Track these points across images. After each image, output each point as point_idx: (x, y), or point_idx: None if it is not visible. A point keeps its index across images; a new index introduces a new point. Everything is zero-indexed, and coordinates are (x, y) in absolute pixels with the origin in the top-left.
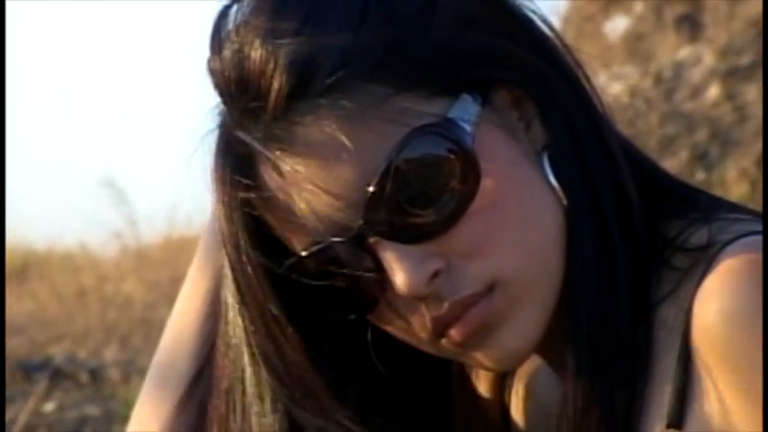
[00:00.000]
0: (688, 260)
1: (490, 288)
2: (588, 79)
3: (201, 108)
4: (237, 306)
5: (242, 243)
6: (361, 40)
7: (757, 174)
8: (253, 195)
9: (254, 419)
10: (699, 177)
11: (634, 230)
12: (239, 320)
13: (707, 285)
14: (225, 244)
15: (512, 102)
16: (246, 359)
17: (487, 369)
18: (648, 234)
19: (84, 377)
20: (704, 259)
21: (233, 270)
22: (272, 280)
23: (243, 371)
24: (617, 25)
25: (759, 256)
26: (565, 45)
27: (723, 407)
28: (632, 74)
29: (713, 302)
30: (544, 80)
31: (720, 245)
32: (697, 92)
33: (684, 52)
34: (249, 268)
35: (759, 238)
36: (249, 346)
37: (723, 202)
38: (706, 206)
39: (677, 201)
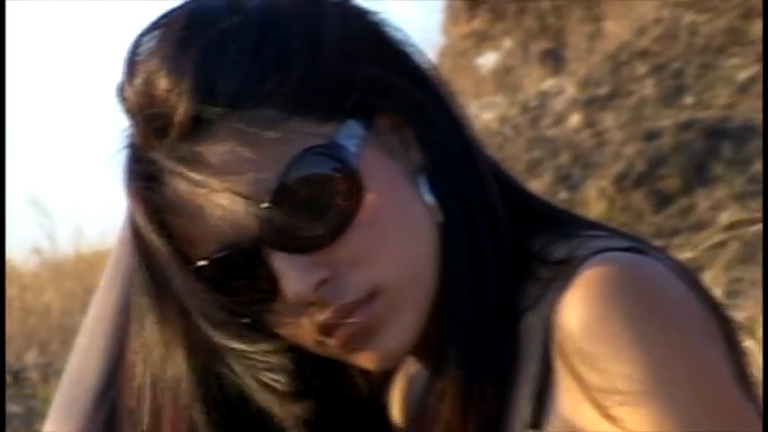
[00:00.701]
0: (550, 272)
1: (371, 295)
2: (461, 108)
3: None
4: (150, 303)
5: (152, 246)
6: (256, 69)
7: (614, 193)
8: (160, 205)
9: (166, 416)
10: (562, 197)
11: (502, 245)
12: (151, 317)
13: (566, 297)
14: (136, 249)
15: (392, 127)
16: (157, 355)
17: (368, 368)
18: (515, 248)
19: (8, 378)
20: (564, 272)
21: (145, 271)
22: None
23: (155, 368)
24: (487, 60)
25: (614, 269)
26: (440, 77)
27: (577, 409)
28: (501, 103)
29: (572, 313)
30: (421, 108)
31: (579, 259)
32: (560, 119)
33: (548, 84)
34: (160, 267)
35: (615, 253)
36: (162, 342)
37: (582, 221)
38: (567, 224)
39: (541, 219)
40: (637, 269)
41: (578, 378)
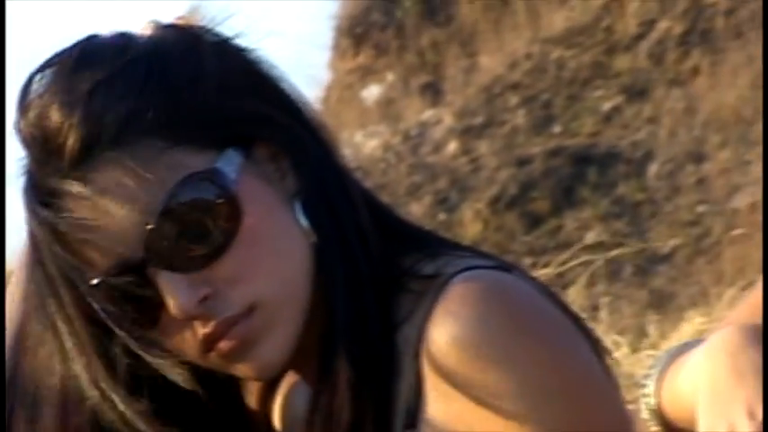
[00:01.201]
0: (421, 286)
1: (250, 310)
2: (333, 139)
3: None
4: (48, 313)
5: (49, 265)
6: (141, 104)
7: (488, 215)
8: (56, 227)
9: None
10: (440, 218)
11: (374, 262)
12: (50, 325)
13: (437, 312)
14: (35, 268)
15: (269, 156)
16: (57, 362)
17: (249, 378)
18: (387, 266)
19: None
20: (433, 287)
21: (44, 285)
22: (76, 296)
23: (53, 375)
24: (371, 92)
25: (481, 286)
26: (313, 110)
27: (448, 418)
28: (385, 132)
29: (442, 329)
30: (297, 139)
31: (446, 276)
32: (438, 147)
33: (427, 114)
34: (56, 283)
35: (482, 270)
36: (60, 350)
37: (448, 242)
38: (434, 244)
39: (411, 240)
40: (502, 285)
41: (451, 392)
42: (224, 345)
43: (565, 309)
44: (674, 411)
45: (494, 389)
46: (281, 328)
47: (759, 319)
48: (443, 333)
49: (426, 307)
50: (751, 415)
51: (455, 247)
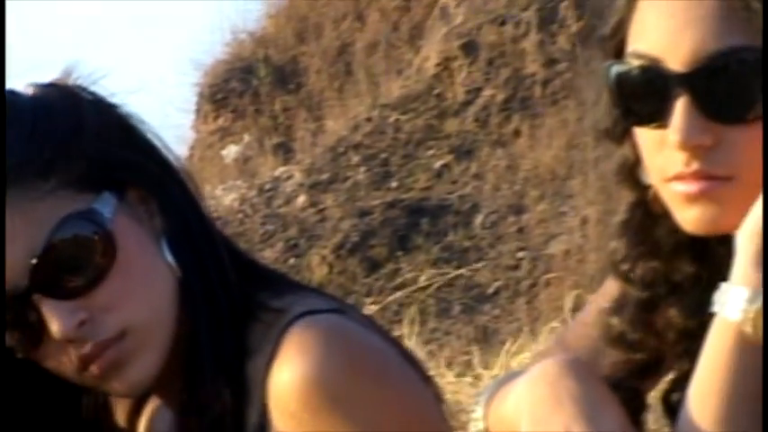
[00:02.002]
0: (270, 318)
1: (122, 334)
2: (197, 188)
3: None
4: None
5: None
6: (29, 151)
7: (333, 260)
8: None
9: None
10: (291, 263)
11: (232, 295)
12: None
13: (280, 354)
14: None
15: (140, 199)
16: None
17: (119, 395)
18: (243, 299)
19: None
20: (280, 322)
21: None
22: None
23: None
24: (230, 151)
25: (319, 330)
26: (179, 160)
27: None
28: (242, 187)
29: (284, 370)
30: (163, 185)
31: (291, 315)
32: (289, 200)
33: (280, 171)
34: None
35: (322, 315)
36: None
37: (293, 282)
38: (282, 284)
39: (263, 279)
40: (339, 330)
41: (293, 427)
42: (98, 365)
43: (394, 343)
44: None
45: (333, 429)
46: (148, 351)
47: (573, 353)
48: (286, 376)
49: (273, 341)
50: None
51: (299, 287)
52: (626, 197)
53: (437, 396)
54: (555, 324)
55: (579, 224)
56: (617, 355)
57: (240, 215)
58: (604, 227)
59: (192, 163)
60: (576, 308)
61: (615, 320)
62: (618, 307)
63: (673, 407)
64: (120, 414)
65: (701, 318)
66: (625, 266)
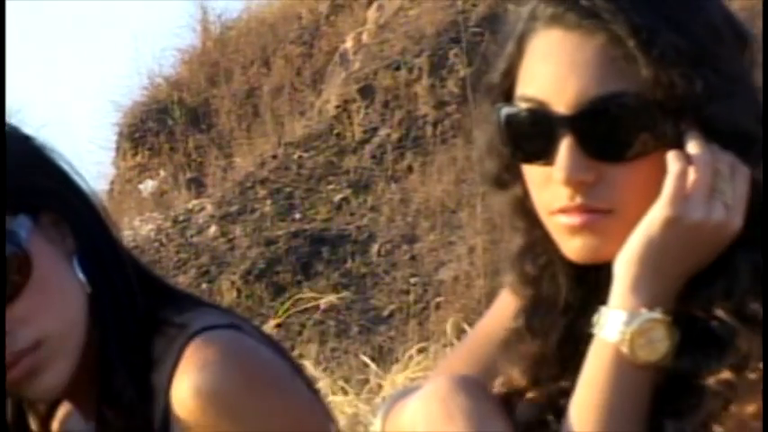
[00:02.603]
0: (172, 332)
1: (37, 344)
2: (105, 211)
3: None
4: None
5: None
6: None
7: (241, 285)
8: None
9: None
10: (203, 288)
11: (138, 310)
12: None
13: (180, 366)
14: None
15: (53, 222)
16: None
17: (35, 400)
18: (148, 314)
19: None
20: (181, 336)
21: None
22: None
23: None
24: (147, 186)
25: (216, 345)
26: (90, 188)
27: None
28: (158, 218)
29: (184, 381)
30: (74, 209)
31: (192, 329)
32: (201, 230)
33: (193, 203)
34: None
35: (220, 331)
36: None
37: (196, 299)
38: (185, 301)
39: (168, 296)
40: (236, 345)
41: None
42: (14, 372)
43: (287, 358)
44: None
45: None
46: (61, 359)
47: (464, 371)
48: (185, 386)
49: (175, 353)
50: None
51: (201, 304)
52: (520, 227)
53: (325, 409)
54: (443, 344)
55: (467, 252)
56: (513, 369)
57: (156, 244)
58: (490, 255)
59: (113, 196)
60: (461, 330)
61: (520, 330)
62: (525, 318)
63: (559, 413)
64: (34, 419)
65: (582, 332)
66: (524, 285)
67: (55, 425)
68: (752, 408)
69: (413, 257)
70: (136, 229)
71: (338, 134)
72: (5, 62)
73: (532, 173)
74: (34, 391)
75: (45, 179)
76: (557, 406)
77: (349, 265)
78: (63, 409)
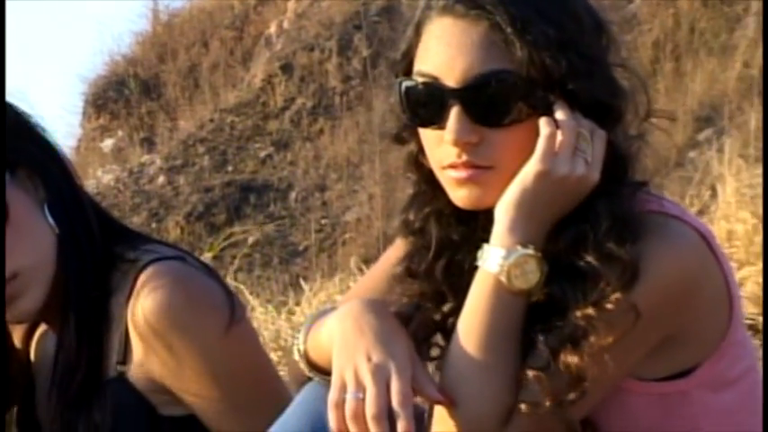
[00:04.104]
0: (126, 267)
1: (14, 276)
2: (73, 166)
3: None
4: None
5: None
6: None
7: (185, 225)
8: None
9: None
10: (153, 227)
11: (97, 248)
12: None
13: (136, 291)
14: None
15: (28, 175)
16: None
17: (15, 322)
18: (106, 251)
19: None
20: (134, 269)
21: None
22: None
23: None
24: (107, 143)
25: (164, 273)
26: (61, 148)
27: (146, 360)
28: (116, 170)
29: (139, 303)
30: (45, 166)
31: (143, 262)
32: (152, 180)
33: (145, 158)
34: None
35: (166, 261)
36: None
37: (147, 237)
38: (137, 239)
39: (123, 235)
40: (180, 273)
41: (148, 347)
42: None
43: (222, 283)
44: (316, 356)
45: (176, 348)
46: (34, 288)
47: (370, 295)
48: (139, 308)
49: (130, 282)
50: (368, 358)
51: (151, 241)
52: (413, 178)
53: (251, 324)
54: (348, 273)
55: (367, 199)
56: (407, 295)
57: (115, 191)
58: (386, 202)
59: (79, 152)
60: (365, 261)
61: (408, 270)
62: (408, 260)
63: (448, 333)
64: (17, 338)
65: (468, 265)
66: (416, 228)
67: (33, 341)
68: (608, 340)
69: (323, 203)
70: (98, 178)
71: (263, 103)
72: (5, 61)
73: (427, 134)
74: (13, 314)
75: (22, 141)
76: (444, 327)
77: (271, 208)
78: (40, 330)
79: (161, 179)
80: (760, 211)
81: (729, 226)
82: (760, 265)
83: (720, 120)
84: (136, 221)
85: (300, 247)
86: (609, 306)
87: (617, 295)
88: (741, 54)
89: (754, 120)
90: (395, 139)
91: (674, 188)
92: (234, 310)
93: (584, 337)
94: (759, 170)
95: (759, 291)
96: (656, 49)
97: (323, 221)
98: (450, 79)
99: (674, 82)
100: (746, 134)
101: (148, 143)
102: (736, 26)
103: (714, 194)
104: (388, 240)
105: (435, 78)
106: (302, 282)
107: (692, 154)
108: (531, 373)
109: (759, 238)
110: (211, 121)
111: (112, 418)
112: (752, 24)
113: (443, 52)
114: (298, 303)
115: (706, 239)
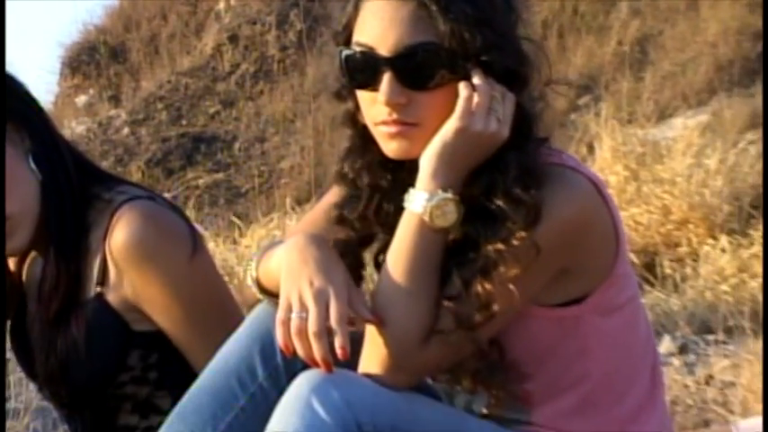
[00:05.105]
0: (102, 205)
1: (8, 219)
2: (54, 120)
3: None
4: None
5: None
6: None
7: (145, 169)
8: None
9: None
10: (119, 170)
11: (74, 189)
12: None
13: (112, 225)
14: None
15: (15, 129)
16: None
17: (9, 255)
18: (83, 191)
19: None
20: (110, 207)
21: None
22: None
23: None
24: (81, 99)
25: (137, 209)
26: (41, 105)
27: (121, 284)
28: (88, 122)
29: (115, 236)
30: (30, 120)
31: (118, 201)
32: (118, 131)
33: (112, 113)
34: None
35: (138, 200)
36: None
37: (119, 179)
38: (110, 180)
39: (99, 178)
40: (151, 210)
41: (123, 273)
42: None
43: (186, 220)
44: (266, 281)
45: (147, 274)
46: (23, 228)
47: (312, 231)
48: (115, 239)
49: (106, 219)
50: (311, 283)
51: (123, 182)
52: (349, 133)
53: (209, 253)
54: (283, 212)
55: (300, 150)
56: (343, 233)
57: (86, 140)
58: (316, 153)
59: (57, 106)
60: (297, 202)
61: (344, 211)
62: (344, 203)
63: (379, 264)
64: (11, 262)
65: (396, 207)
66: (351, 175)
67: (25, 266)
68: (514, 272)
69: (262, 152)
70: (72, 129)
71: (213, 67)
72: (5, 60)
73: (363, 96)
74: (8, 249)
75: (10, 99)
76: (376, 260)
77: (219, 157)
78: (31, 255)
79: (125, 130)
80: (631, 164)
81: (604, 177)
82: (631, 211)
83: (597, 88)
84: (104, 166)
85: (243, 190)
86: (515, 242)
87: (522, 233)
88: (615, 33)
89: (625, 88)
90: (335, 96)
91: (557, 146)
92: (196, 241)
93: (493, 269)
94: (631, 130)
95: (630, 231)
96: (544, 28)
97: (262, 168)
98: (384, 49)
99: (558, 56)
100: (619, 100)
101: (115, 100)
102: (611, 9)
103: (591, 151)
104: (317, 185)
105: (371, 48)
106: (244, 219)
107: (573, 116)
108: (446, 301)
109: (631, 188)
110: (169, 82)
111: (91, 332)
112: (624, 8)
113: (378, 26)
114: (241, 236)
115: (598, 187)
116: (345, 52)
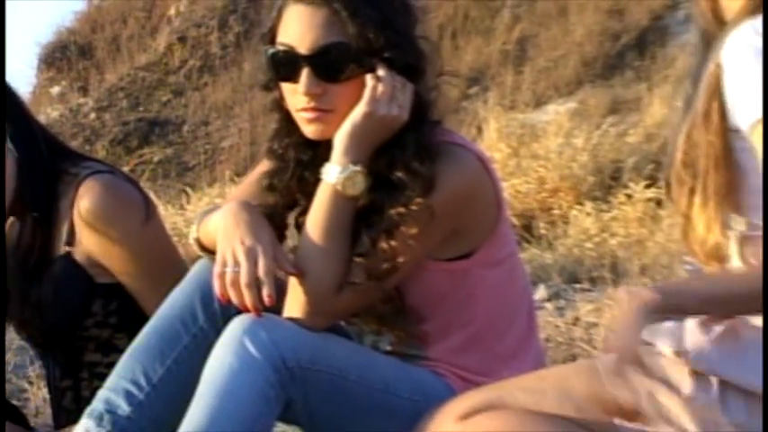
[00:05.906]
0: (69, 179)
1: None
2: (29, 107)
3: None
4: None
5: None
6: None
7: (109, 147)
8: None
9: None
10: (87, 149)
11: (45, 165)
12: None
13: (78, 195)
14: None
15: None
16: None
17: None
18: (54, 166)
19: None
20: (76, 180)
21: None
22: None
23: None
24: (55, 90)
25: (100, 182)
26: (20, 95)
27: (87, 242)
28: (61, 109)
29: (80, 203)
30: (11, 108)
31: (83, 175)
32: (86, 115)
33: (81, 101)
34: None
35: (100, 174)
36: None
37: (85, 156)
38: (77, 158)
39: (67, 155)
40: (112, 183)
41: (88, 235)
42: None
43: (141, 191)
44: (206, 241)
45: (107, 235)
46: (2, 199)
47: (244, 198)
48: (81, 206)
49: (73, 190)
50: (242, 242)
51: (88, 159)
52: (277, 117)
53: (161, 220)
54: (223, 183)
55: (238, 132)
56: (271, 198)
57: (59, 123)
58: (251, 134)
59: (34, 96)
60: (236, 175)
61: (273, 180)
62: (273, 174)
63: (299, 226)
64: None
65: (314, 178)
66: (279, 152)
67: (7, 225)
68: (413, 231)
69: (207, 134)
70: (48, 114)
71: (165, 63)
72: (5, 59)
73: (285, 87)
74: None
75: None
76: (297, 223)
77: (170, 137)
78: (9, 220)
79: (92, 116)
80: (513, 143)
81: (490, 154)
82: (512, 182)
83: (485, 80)
84: (74, 144)
85: (190, 165)
86: (413, 207)
87: (419, 200)
88: (500, 34)
89: (508, 80)
90: (264, 87)
91: (450, 128)
92: (149, 208)
93: (395, 229)
94: (512, 115)
95: (511, 198)
96: (440, 30)
97: (206, 147)
98: (302, 48)
99: (452, 54)
100: (503, 90)
101: (84, 90)
102: (496, 15)
103: (480, 132)
104: (253, 160)
105: (291, 47)
106: (192, 189)
107: (464, 104)
108: (357, 257)
109: (512, 162)
110: (128, 75)
111: (60, 284)
112: (507, 14)
113: (297, 29)
114: (189, 203)
115: (483, 161)
116: (270, 50)
